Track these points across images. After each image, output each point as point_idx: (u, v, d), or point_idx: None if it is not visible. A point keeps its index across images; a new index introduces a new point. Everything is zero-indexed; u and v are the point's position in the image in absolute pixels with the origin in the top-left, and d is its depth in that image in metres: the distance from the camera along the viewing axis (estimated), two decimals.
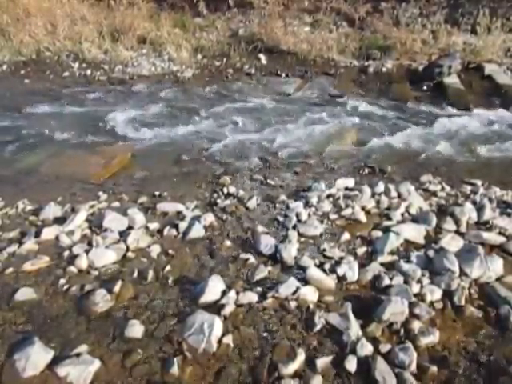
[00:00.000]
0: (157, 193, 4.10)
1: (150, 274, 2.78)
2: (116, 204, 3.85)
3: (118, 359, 2.16)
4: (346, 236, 3.24)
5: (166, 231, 3.32)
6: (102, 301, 2.52)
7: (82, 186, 4.32)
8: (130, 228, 3.34)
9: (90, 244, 3.11)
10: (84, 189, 4.27)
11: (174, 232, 3.31)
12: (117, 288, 2.64)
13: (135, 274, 2.80)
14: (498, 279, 2.79)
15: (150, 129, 6.16)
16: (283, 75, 9.64)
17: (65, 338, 2.28)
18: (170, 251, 3.07)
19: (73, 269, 2.84)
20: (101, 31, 11.08)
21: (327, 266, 2.82)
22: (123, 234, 3.23)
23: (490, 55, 10.45)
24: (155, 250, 3.08)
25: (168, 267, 2.87)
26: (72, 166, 4.84)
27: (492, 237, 3.25)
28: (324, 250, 3.02)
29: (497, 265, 2.85)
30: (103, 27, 11.20)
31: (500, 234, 3.33)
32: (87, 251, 2.97)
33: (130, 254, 3.03)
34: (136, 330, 2.31)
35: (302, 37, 11.37)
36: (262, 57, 10.73)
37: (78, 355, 2.15)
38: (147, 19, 12.18)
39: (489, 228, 3.42)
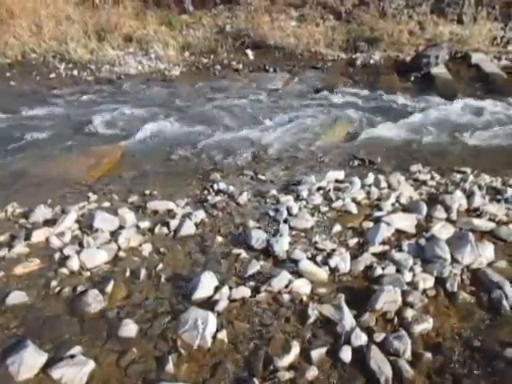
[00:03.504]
0: (147, 191, 4.07)
1: (143, 273, 2.76)
2: (106, 204, 3.82)
3: (113, 359, 2.14)
4: (338, 228, 3.24)
5: (157, 229, 3.30)
6: (94, 301, 2.50)
7: (72, 188, 4.29)
8: (121, 228, 3.32)
9: (81, 245, 3.08)
10: (74, 190, 4.24)
11: (165, 230, 3.30)
12: (109, 288, 2.61)
13: (127, 274, 2.78)
14: (490, 264, 2.81)
15: (138, 128, 6.12)
16: (271, 70, 9.64)
17: (58, 340, 2.26)
18: (162, 249, 3.05)
19: (64, 270, 2.81)
20: (86, 31, 11.00)
21: (319, 258, 2.83)
22: (114, 234, 3.21)
23: (477, 44, 10.54)
24: (147, 248, 3.06)
25: (160, 265, 2.86)
26: (61, 167, 4.80)
27: (482, 223, 3.27)
28: (316, 242, 3.02)
29: (488, 250, 2.87)
30: (89, 26, 11.12)
31: (490, 220, 3.35)
32: (78, 252, 2.94)
33: (121, 254, 3.01)
34: (130, 329, 2.30)
35: (289, 31, 11.38)
36: (250, 52, 10.73)
37: (72, 357, 2.13)
38: (133, 17, 12.12)
39: (479, 215, 3.44)
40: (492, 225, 3.26)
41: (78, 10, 11.86)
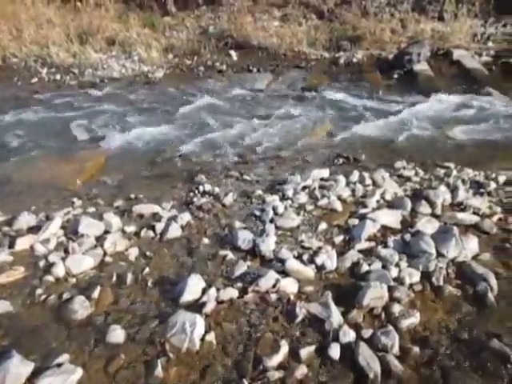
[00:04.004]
0: (132, 195, 4.04)
1: (129, 278, 2.74)
2: (91, 209, 3.79)
3: (101, 365, 2.12)
4: (323, 226, 3.25)
5: (143, 233, 3.28)
6: (81, 308, 2.47)
7: (56, 194, 4.23)
8: (106, 232, 3.29)
9: (66, 251, 3.04)
10: (58, 196, 4.18)
11: (151, 233, 3.28)
12: (96, 294, 2.59)
13: (114, 279, 2.76)
14: (474, 257, 2.85)
15: (123, 131, 6.08)
16: (255, 70, 9.64)
17: (45, 349, 2.23)
18: (148, 253, 3.03)
19: (50, 278, 2.77)
20: (68, 34, 10.86)
21: (306, 257, 2.84)
22: (100, 239, 3.18)
23: (458, 41, 10.65)
24: (133, 252, 3.03)
25: (147, 269, 2.84)
26: (45, 173, 4.75)
27: (466, 217, 3.32)
28: (302, 241, 3.03)
29: (472, 244, 2.92)
30: (70, 30, 10.97)
31: (474, 213, 3.40)
32: (64, 259, 2.90)
33: (107, 259, 2.98)
34: (118, 334, 2.28)
35: (272, 31, 11.39)
36: (233, 53, 10.71)
37: (59, 365, 2.10)
38: (115, 20, 12.01)
39: (463, 209, 3.49)
40: (476, 218, 3.31)
41: (58, 14, 11.71)
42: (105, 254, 3.03)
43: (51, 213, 3.68)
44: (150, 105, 7.54)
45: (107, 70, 9.94)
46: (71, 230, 3.31)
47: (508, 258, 2.87)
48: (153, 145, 5.64)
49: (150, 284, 2.71)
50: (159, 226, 3.33)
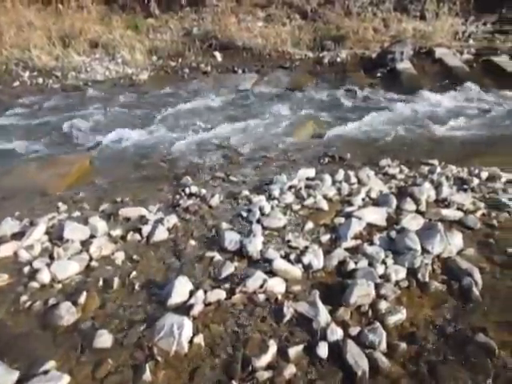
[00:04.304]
0: (118, 199, 4.01)
1: (116, 282, 2.72)
2: (77, 214, 3.74)
3: (88, 371, 2.10)
4: (310, 225, 3.26)
5: (129, 237, 3.26)
6: (67, 314, 2.45)
7: (41, 199, 4.18)
8: (92, 237, 3.25)
9: (51, 257, 3.00)
10: (42, 201, 4.13)
11: (137, 237, 3.25)
12: (82, 299, 2.56)
13: (100, 283, 2.73)
14: (459, 253, 2.88)
15: (108, 134, 6.03)
16: (239, 71, 9.65)
17: (30, 357, 2.20)
18: (135, 256, 3.01)
19: (34, 284, 2.74)
20: (50, 37, 10.74)
21: (293, 256, 2.84)
22: (85, 244, 3.14)
23: (440, 39, 10.80)
24: (119, 256, 3.01)
25: (134, 273, 2.82)
26: (29, 178, 4.68)
27: (451, 213, 3.35)
28: (289, 240, 3.04)
29: (457, 239, 2.95)
30: (52, 33, 10.85)
31: (458, 209, 3.44)
32: (49, 265, 2.87)
33: (93, 264, 2.95)
34: (105, 339, 2.26)
35: (256, 32, 11.41)
36: (218, 54, 10.71)
37: (45, 372, 2.08)
38: (98, 22, 11.92)
39: (447, 205, 3.53)
40: (460, 214, 3.34)
41: (40, 16, 11.57)
42: (90, 258, 3.00)
43: (35, 218, 3.63)
44: (135, 107, 7.49)
45: (91, 72, 9.86)
46: (56, 236, 3.27)
47: (492, 253, 2.91)
48: (138, 147, 5.60)
49: (137, 287, 2.69)
50: (146, 229, 3.31)
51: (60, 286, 2.75)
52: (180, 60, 10.57)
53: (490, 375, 2.01)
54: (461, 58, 9.57)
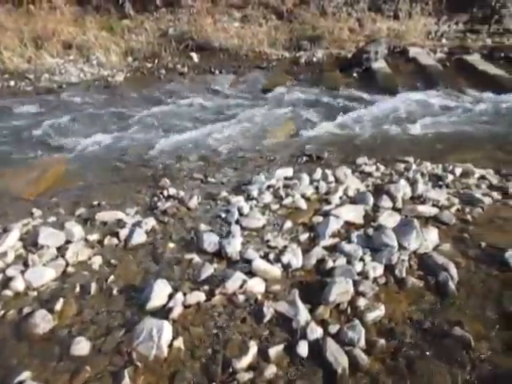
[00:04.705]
0: (95, 202, 3.94)
1: (93, 287, 2.68)
2: (52, 219, 3.67)
3: (66, 380, 2.06)
4: (289, 224, 3.28)
5: (106, 241, 3.21)
6: (43, 322, 2.39)
7: (14, 204, 4.08)
8: (68, 242, 3.19)
9: (25, 264, 2.93)
10: (16, 207, 4.02)
11: (115, 241, 3.21)
12: (58, 306, 2.51)
13: (77, 289, 2.69)
14: (435, 248, 2.93)
15: (83, 137, 5.93)
16: (216, 72, 9.62)
17: (5, 368, 2.15)
18: (113, 261, 2.97)
19: (8, 292, 2.67)
20: (22, 39, 10.49)
21: (272, 256, 2.85)
22: (61, 249, 3.08)
23: (413, 39, 11.00)
24: (96, 261, 2.96)
25: (111, 278, 2.78)
26: (1, 183, 4.56)
27: (426, 209, 3.41)
28: (268, 240, 3.04)
29: (432, 235, 3.01)
30: (24, 34, 10.60)
31: (433, 205, 3.51)
32: (23, 272, 2.80)
33: (70, 269, 2.89)
34: (82, 346, 2.22)
35: (233, 32, 11.41)
36: (194, 55, 10.66)
37: (21, 383, 2.03)
38: (71, 23, 11.72)
39: (423, 201, 3.59)
40: (435, 210, 3.41)
41: (10, 17, 11.29)
42: (67, 264, 2.94)
43: (8, 225, 3.53)
44: (111, 109, 7.39)
45: (65, 74, 9.68)
46: (30, 242, 3.20)
47: (466, 248, 2.97)
48: (115, 150, 5.52)
49: (115, 292, 2.65)
50: (123, 233, 3.27)
51: (35, 293, 2.69)
52: (156, 61, 10.49)
53: (466, 368, 2.06)
54: (434, 56, 9.76)
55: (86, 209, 3.84)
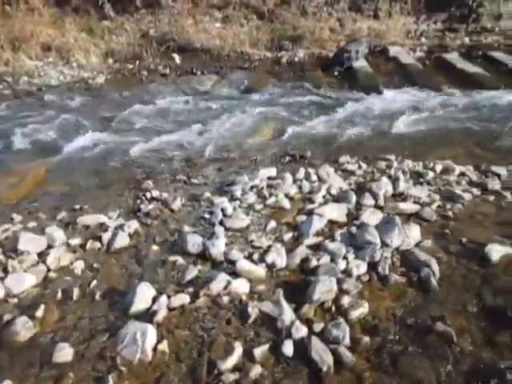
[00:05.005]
0: (77, 206, 3.89)
1: (76, 292, 2.64)
2: (32, 224, 3.60)
3: None
4: (273, 224, 3.28)
5: (89, 245, 3.17)
6: (23, 329, 2.35)
7: None
8: (49, 247, 3.14)
9: (5, 270, 2.87)
10: None
11: (97, 245, 3.17)
12: (40, 313, 2.47)
13: (59, 295, 2.64)
14: (417, 245, 2.97)
15: (64, 141, 5.86)
16: (199, 73, 9.59)
17: None
18: (95, 265, 2.93)
19: None
20: None
21: (256, 256, 2.84)
22: (42, 255, 3.03)
23: (393, 38, 11.13)
24: (79, 266, 2.92)
25: (94, 282, 2.74)
26: None
27: (408, 206, 3.45)
28: (252, 240, 3.04)
29: (414, 232, 3.03)
30: (1, 36, 10.40)
31: (415, 202, 3.55)
32: (2, 278, 2.75)
33: (51, 275, 2.85)
34: (65, 353, 2.18)
35: (214, 33, 11.39)
36: (176, 56, 10.61)
37: None
38: (50, 25, 11.55)
39: (404, 198, 3.63)
40: (417, 207, 3.45)
41: None
42: (48, 269, 2.90)
43: None
44: (92, 111, 7.30)
45: (44, 77, 9.54)
46: (10, 248, 3.13)
47: (448, 244, 3.01)
48: (96, 153, 5.46)
49: (98, 297, 2.62)
50: (106, 236, 3.23)
51: (15, 300, 2.64)
52: (137, 62, 10.41)
53: (449, 362, 2.08)
54: (414, 55, 9.89)
55: (67, 213, 3.78)
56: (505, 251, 2.82)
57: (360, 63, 9.13)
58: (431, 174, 4.06)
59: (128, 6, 13.15)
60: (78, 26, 11.71)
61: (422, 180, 3.99)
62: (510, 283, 2.58)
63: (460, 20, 12.47)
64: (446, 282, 2.62)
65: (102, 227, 3.44)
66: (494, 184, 3.83)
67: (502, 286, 2.57)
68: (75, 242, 3.23)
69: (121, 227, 3.34)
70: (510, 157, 4.52)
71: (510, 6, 12.79)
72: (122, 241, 3.17)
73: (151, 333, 2.20)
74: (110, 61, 10.62)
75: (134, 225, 3.38)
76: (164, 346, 2.19)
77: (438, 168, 4.19)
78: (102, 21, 12.49)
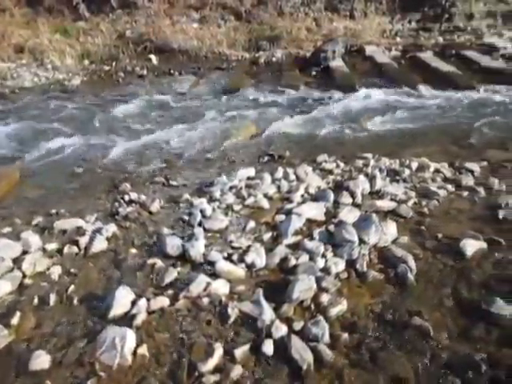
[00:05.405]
0: (53, 211, 3.82)
1: (53, 298, 2.60)
2: (7, 229, 3.52)
3: None
4: (252, 224, 3.29)
5: (66, 250, 3.12)
6: None
7: None
8: (24, 253, 3.08)
9: None
10: None
11: (75, 249, 3.12)
12: (15, 320, 2.43)
13: (35, 301, 2.60)
14: (394, 241, 3.02)
15: (39, 144, 5.73)
16: (176, 74, 9.53)
17: None
18: (73, 270, 2.89)
19: None
20: None
21: (236, 257, 2.85)
22: (17, 261, 2.96)
23: (369, 37, 11.26)
24: (56, 271, 2.87)
25: (72, 287, 2.70)
26: None
27: (384, 204, 3.50)
28: (231, 241, 3.04)
29: (391, 228, 3.09)
30: None
31: (391, 200, 3.60)
32: None
33: (27, 281, 2.80)
34: (42, 360, 2.14)
35: (192, 33, 11.34)
36: (153, 57, 10.52)
37: None
38: (23, 26, 11.32)
39: (381, 196, 3.68)
40: (393, 204, 3.50)
41: None
42: (24, 275, 2.84)
43: None
44: (68, 114, 7.18)
45: (17, 79, 9.33)
46: None
47: (424, 240, 3.07)
48: (73, 156, 5.37)
49: (75, 302, 2.58)
50: (83, 241, 3.19)
51: None
52: (114, 64, 10.27)
53: (426, 356, 2.12)
54: (389, 54, 10.03)
55: (43, 217, 3.72)
56: (478, 245, 2.89)
57: (337, 63, 9.22)
58: (407, 172, 4.13)
59: (103, 7, 12.98)
60: (51, 26, 11.50)
61: (398, 178, 4.05)
62: (484, 277, 2.65)
63: (433, 19, 12.71)
64: (423, 278, 2.68)
65: (80, 231, 3.39)
66: (468, 180, 3.92)
67: (477, 280, 2.63)
68: (52, 246, 3.18)
69: (98, 231, 3.30)
70: (483, 153, 4.62)
71: (481, 6, 13.11)
72: (100, 245, 3.13)
73: (130, 337, 2.19)
74: (86, 62, 10.46)
75: (111, 228, 3.34)
76: (144, 349, 2.17)
77: (414, 165, 4.26)
78: (76, 21, 12.30)
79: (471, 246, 2.86)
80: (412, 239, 3.08)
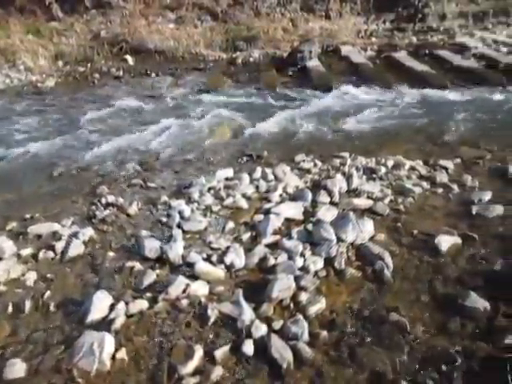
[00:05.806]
0: (28, 215, 3.74)
1: (28, 305, 2.55)
2: None
3: None
4: (231, 225, 3.29)
5: (41, 255, 3.07)
6: None
7: None
8: None
9: None
10: None
11: (50, 254, 3.08)
12: None
13: (10, 309, 2.55)
14: (371, 239, 3.07)
15: (12, 147, 5.60)
16: (153, 75, 9.44)
17: None
18: (49, 275, 2.85)
19: None
20: None
21: (215, 258, 2.85)
22: None
23: (345, 37, 11.36)
24: (31, 277, 2.83)
25: (48, 293, 2.66)
26: None
27: (361, 202, 3.56)
28: (210, 242, 3.04)
29: (368, 226, 3.14)
30: None
31: (368, 197, 3.66)
32: None
33: (1, 288, 2.75)
34: (17, 369, 2.11)
35: (168, 34, 11.24)
36: (129, 58, 10.39)
37: None
38: None
39: (358, 194, 3.73)
40: (370, 202, 3.56)
41: None
42: None
43: None
44: (42, 116, 7.03)
45: None
46: None
47: (400, 236, 3.13)
48: (48, 159, 5.26)
49: (52, 308, 2.55)
50: (59, 245, 3.15)
51: None
52: (89, 65, 10.10)
53: (403, 351, 2.17)
54: (365, 54, 10.14)
55: (17, 222, 3.64)
56: (453, 241, 2.97)
57: (313, 63, 9.27)
58: (383, 170, 4.19)
59: (77, 7, 12.74)
60: (23, 27, 11.23)
61: (374, 176, 4.11)
62: (459, 272, 2.72)
63: (407, 20, 12.91)
64: (400, 274, 2.73)
65: (55, 236, 3.34)
66: (442, 177, 4.01)
67: (452, 275, 2.70)
68: (26, 252, 3.13)
69: (75, 235, 3.26)
70: (456, 151, 4.73)
71: (453, 7, 13.39)
72: (77, 249, 3.09)
73: (109, 341, 2.17)
74: (60, 63, 10.25)
75: (88, 232, 3.30)
76: (123, 354, 2.15)
77: (390, 163, 4.32)
78: (49, 22, 12.03)
79: (446, 242, 2.93)
80: (389, 236, 3.13)
